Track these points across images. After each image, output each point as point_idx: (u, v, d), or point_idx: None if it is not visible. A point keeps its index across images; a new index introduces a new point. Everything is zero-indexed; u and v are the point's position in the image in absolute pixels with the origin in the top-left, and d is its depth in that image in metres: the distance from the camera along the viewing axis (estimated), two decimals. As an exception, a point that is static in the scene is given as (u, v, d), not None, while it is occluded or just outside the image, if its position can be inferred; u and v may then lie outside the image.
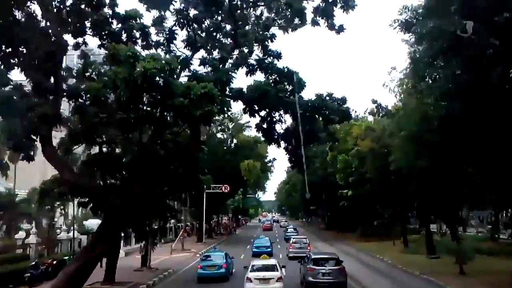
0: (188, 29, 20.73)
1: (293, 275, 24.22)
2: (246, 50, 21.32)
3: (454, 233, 29.71)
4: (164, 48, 19.95)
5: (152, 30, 20.30)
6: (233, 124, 57.64)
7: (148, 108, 17.76)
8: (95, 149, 23.23)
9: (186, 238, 47.06)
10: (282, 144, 26.19)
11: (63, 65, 19.29)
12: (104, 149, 22.41)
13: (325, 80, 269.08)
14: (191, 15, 20.74)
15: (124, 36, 19.33)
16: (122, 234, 31.48)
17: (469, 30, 15.44)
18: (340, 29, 21.02)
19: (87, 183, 19.52)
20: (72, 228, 30.79)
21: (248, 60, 21.41)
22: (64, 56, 18.98)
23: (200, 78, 17.59)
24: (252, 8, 22.43)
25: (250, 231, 79.40)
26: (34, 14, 17.70)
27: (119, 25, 19.58)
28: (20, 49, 17.40)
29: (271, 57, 21.54)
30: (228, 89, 18.69)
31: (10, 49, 17.22)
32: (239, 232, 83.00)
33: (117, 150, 23.58)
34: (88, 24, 18.94)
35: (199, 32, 21.13)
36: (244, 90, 22.49)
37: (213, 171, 50.55)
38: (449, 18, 16.78)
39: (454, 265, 25.95)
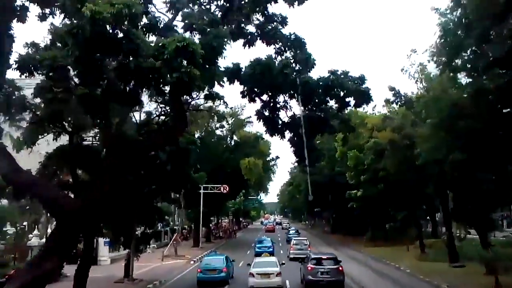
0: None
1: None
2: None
3: (485, 238, 25.79)
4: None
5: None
6: (233, 119, 53.67)
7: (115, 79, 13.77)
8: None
9: (181, 243, 43.24)
10: (287, 134, 22.46)
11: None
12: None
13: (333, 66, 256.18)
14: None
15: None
16: (108, 239, 28.01)
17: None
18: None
19: (27, 180, 15.15)
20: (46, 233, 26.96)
21: (247, 28, 17.56)
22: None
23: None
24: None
25: (252, 234, 74.88)
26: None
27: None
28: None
29: (274, 22, 17.65)
30: (220, 58, 14.74)
31: None
32: (239, 235, 78.79)
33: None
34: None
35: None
36: (242, 67, 18.74)
37: (212, 171, 47.09)
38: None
39: (484, 275, 22.64)
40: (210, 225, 67.56)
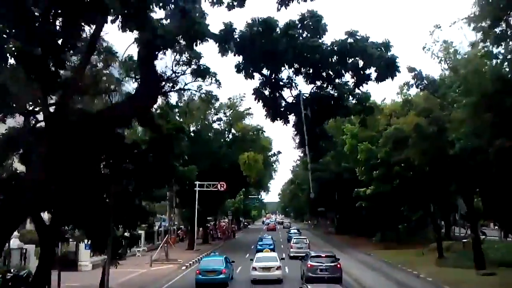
0: None
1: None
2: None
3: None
4: None
5: None
6: (231, 111, 49.72)
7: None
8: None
9: (173, 246, 39.55)
10: (291, 119, 18.81)
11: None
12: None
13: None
14: None
15: None
16: (88, 242, 24.44)
17: None
18: None
19: None
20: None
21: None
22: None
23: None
24: None
25: (253, 234, 70.38)
26: None
27: None
28: None
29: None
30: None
31: None
32: (239, 236, 74.81)
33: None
34: None
35: None
36: (237, 29, 15.04)
37: (209, 167, 43.46)
38: None
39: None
40: (208, 225, 63.95)
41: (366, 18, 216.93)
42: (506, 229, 26.29)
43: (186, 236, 54.22)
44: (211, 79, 18.54)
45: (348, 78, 16.15)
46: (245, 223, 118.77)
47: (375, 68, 14.81)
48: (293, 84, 17.69)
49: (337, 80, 16.00)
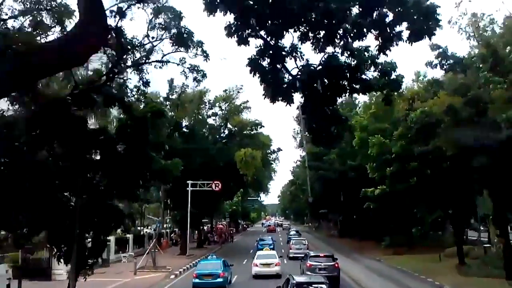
0: None
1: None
2: None
3: None
4: None
5: None
6: (227, 104, 45.95)
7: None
8: None
9: (162, 252, 35.91)
10: (297, 99, 15.17)
11: None
12: None
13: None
14: None
15: None
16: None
17: None
18: None
19: None
20: None
21: None
22: None
23: None
24: None
25: (252, 237, 65.83)
26: None
27: None
28: None
29: None
30: None
31: None
32: (238, 239, 70.76)
33: None
34: None
35: None
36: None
37: (202, 165, 39.88)
38: None
39: None
40: (204, 228, 60.23)
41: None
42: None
43: (180, 239, 50.61)
44: (197, 50, 14.97)
45: (370, 40, 12.56)
46: (244, 226, 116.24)
47: (408, 22, 11.23)
48: (298, 53, 13.94)
49: (355, 44, 12.38)
